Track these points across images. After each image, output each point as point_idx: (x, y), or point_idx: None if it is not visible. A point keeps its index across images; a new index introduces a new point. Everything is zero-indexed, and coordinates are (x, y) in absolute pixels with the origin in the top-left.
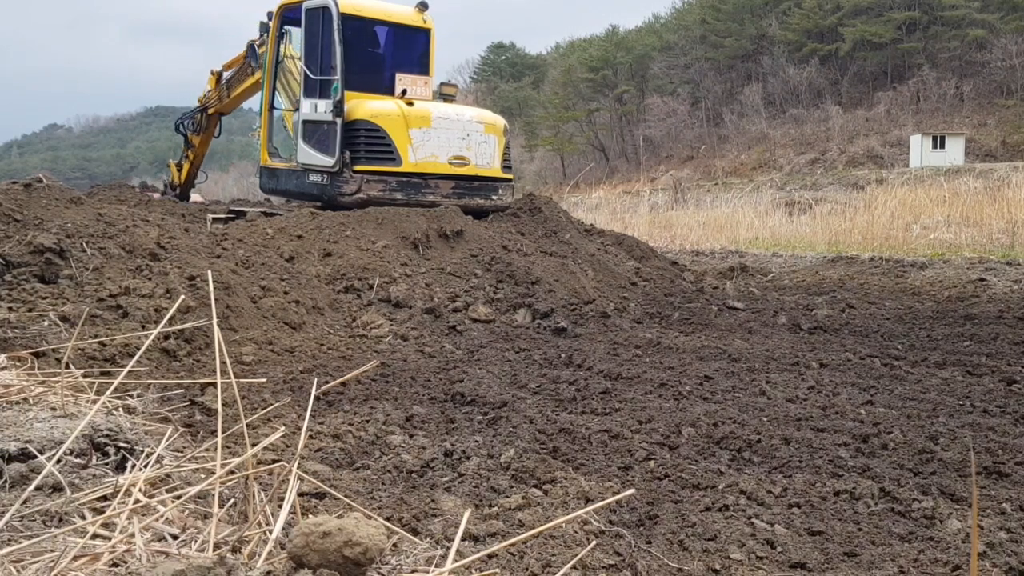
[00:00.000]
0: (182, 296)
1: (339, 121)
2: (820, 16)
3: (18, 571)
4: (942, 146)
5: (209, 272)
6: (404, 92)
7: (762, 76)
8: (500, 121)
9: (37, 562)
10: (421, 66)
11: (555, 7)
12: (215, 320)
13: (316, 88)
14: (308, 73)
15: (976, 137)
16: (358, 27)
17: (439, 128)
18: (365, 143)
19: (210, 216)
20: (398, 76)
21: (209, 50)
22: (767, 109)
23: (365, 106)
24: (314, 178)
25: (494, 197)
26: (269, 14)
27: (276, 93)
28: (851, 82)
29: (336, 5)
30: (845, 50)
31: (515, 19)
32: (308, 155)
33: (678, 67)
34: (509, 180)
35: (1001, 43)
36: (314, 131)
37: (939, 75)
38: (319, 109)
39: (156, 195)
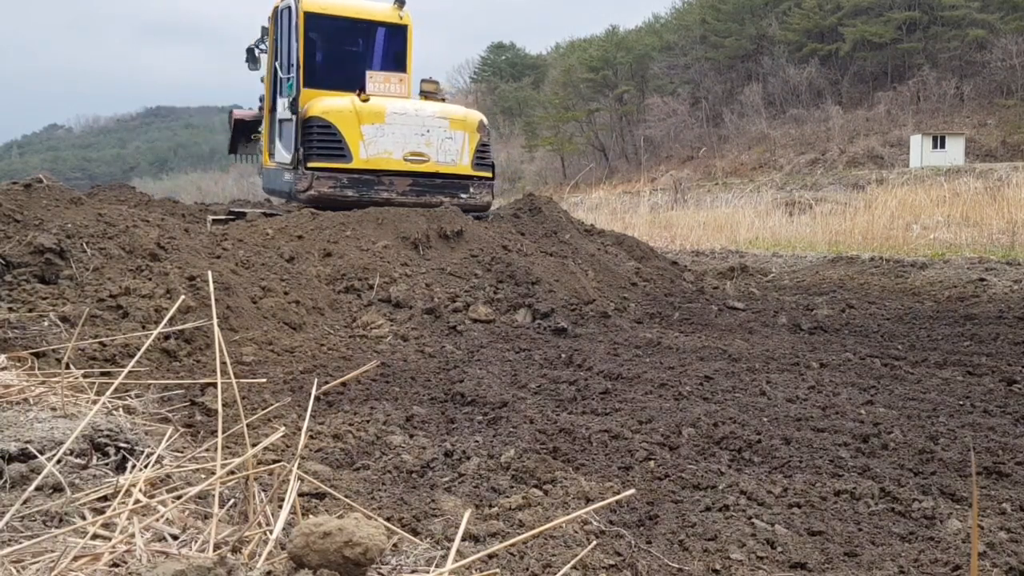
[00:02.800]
0: (182, 296)
1: (295, 119)
2: (820, 16)
3: (18, 571)
4: (942, 146)
5: (209, 272)
6: (362, 89)
7: (762, 76)
8: (473, 117)
9: (37, 562)
10: (398, 63)
11: (555, 7)
12: (215, 320)
13: (285, 87)
14: (279, 72)
15: (976, 137)
16: (326, 25)
17: (394, 124)
18: (317, 140)
19: (210, 217)
20: (369, 74)
21: (210, 50)
22: (767, 109)
23: (319, 103)
24: (286, 176)
25: (463, 196)
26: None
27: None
28: (851, 82)
29: (296, 3)
30: (845, 50)
31: (515, 19)
32: (280, 153)
33: (678, 67)
34: (484, 178)
35: (1001, 43)
36: (283, 129)
37: (939, 75)
38: (284, 107)
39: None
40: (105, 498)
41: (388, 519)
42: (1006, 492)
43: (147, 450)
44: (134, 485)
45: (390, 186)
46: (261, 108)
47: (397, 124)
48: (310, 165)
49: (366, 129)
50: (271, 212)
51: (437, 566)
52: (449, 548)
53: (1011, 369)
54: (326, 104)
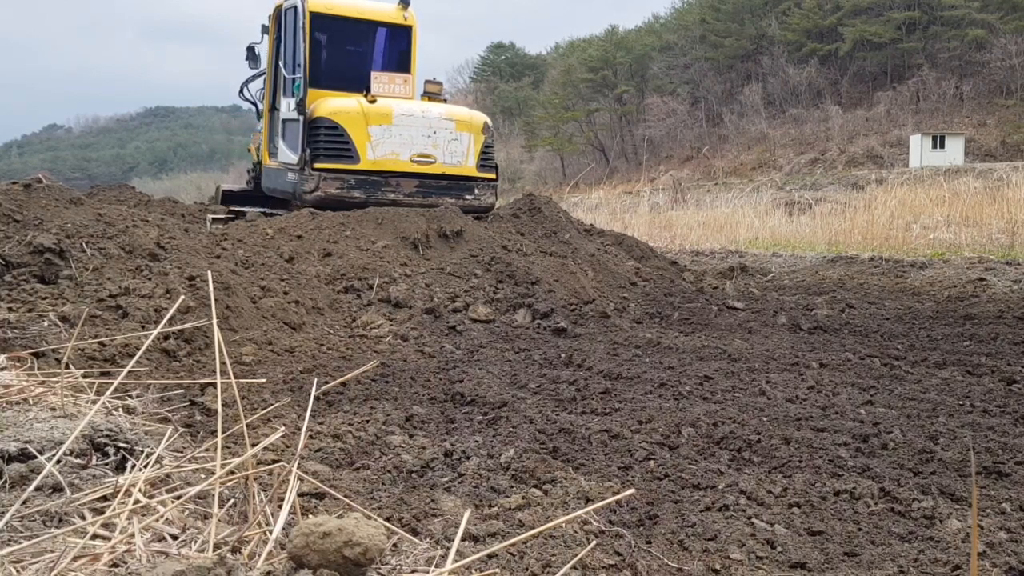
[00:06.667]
0: (182, 296)
1: (302, 119)
2: (820, 16)
3: (18, 571)
4: (942, 146)
5: (209, 272)
6: (367, 90)
7: (762, 76)
8: (478, 118)
9: (37, 562)
10: (402, 64)
11: (555, 7)
12: (215, 320)
13: (290, 87)
14: (284, 72)
15: (976, 137)
16: (331, 26)
17: (401, 125)
18: (324, 141)
19: (210, 216)
20: (374, 74)
21: (210, 50)
22: (767, 109)
23: (326, 104)
24: (290, 176)
25: (468, 197)
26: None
27: (277, 94)
28: (851, 82)
29: (303, 3)
30: (845, 50)
31: (515, 19)
32: (284, 153)
33: (678, 67)
34: (489, 179)
35: (1001, 43)
36: (288, 130)
37: (939, 75)
38: (290, 107)
39: None
40: (105, 498)
41: (388, 519)
42: (1006, 492)
43: (147, 450)
44: (134, 485)
45: (397, 187)
46: (250, 181)
47: (404, 125)
48: (317, 166)
49: (373, 130)
50: (271, 212)
51: (437, 566)
52: (449, 548)
53: (1011, 369)
54: (333, 105)
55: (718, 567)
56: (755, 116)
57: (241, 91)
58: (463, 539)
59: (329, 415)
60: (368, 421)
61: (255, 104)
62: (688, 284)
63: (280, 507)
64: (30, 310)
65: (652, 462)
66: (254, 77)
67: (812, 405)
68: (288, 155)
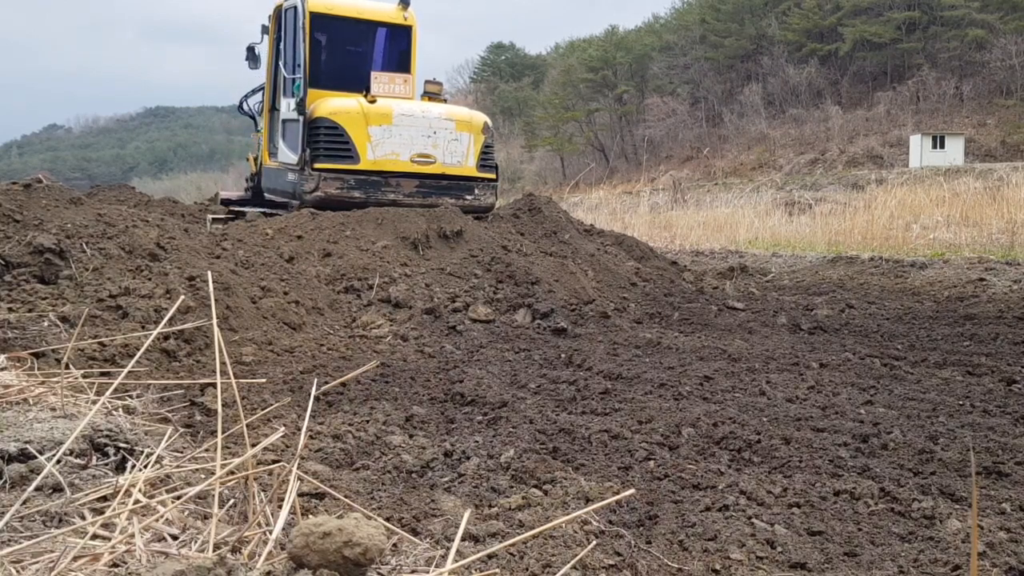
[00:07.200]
0: (182, 296)
1: (302, 119)
2: (820, 16)
3: (18, 571)
4: (942, 146)
5: (209, 272)
6: (367, 90)
7: (762, 76)
8: (478, 118)
9: (37, 562)
10: (402, 64)
11: (555, 7)
12: (215, 320)
13: (290, 87)
14: (284, 72)
15: (976, 137)
16: (331, 26)
17: (401, 125)
18: (324, 141)
19: (210, 216)
20: (374, 74)
21: (209, 50)
22: (767, 109)
23: (326, 104)
24: (290, 176)
25: (468, 197)
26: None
27: (277, 94)
28: (851, 82)
29: (303, 4)
30: (845, 50)
31: (515, 19)
32: (284, 154)
33: (678, 67)
34: (489, 180)
35: (1001, 43)
36: (288, 130)
37: (939, 75)
38: (290, 108)
39: None
40: (105, 498)
41: (388, 519)
42: (1006, 492)
43: (147, 450)
44: (134, 485)
45: (397, 187)
46: (247, 189)
47: (404, 125)
48: (317, 166)
49: (373, 130)
50: (271, 212)
51: (437, 566)
52: (449, 548)
53: (1011, 369)
54: (333, 105)
55: (718, 567)
56: (755, 116)
57: (240, 106)
58: (463, 539)
59: (329, 415)
60: (368, 421)
61: (254, 118)
62: (688, 284)
63: (280, 507)
64: (30, 310)
65: (652, 462)
66: (254, 91)
67: (812, 405)
68: (288, 155)
